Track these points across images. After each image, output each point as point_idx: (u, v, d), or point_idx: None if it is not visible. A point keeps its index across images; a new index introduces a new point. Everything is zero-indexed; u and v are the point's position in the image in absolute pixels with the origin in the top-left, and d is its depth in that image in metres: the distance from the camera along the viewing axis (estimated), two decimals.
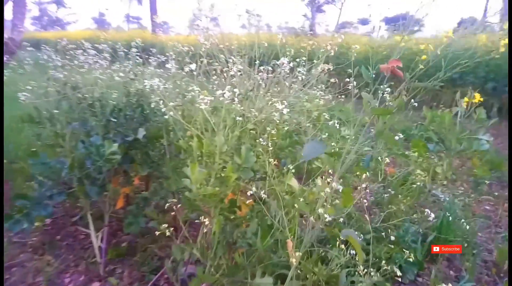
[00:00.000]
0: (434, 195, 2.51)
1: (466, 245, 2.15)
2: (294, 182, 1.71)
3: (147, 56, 2.56)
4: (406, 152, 2.31)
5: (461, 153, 2.16)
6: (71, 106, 2.11)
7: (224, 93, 1.18)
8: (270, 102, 1.38)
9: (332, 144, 1.91)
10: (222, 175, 1.28)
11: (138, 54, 2.58)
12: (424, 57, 1.62)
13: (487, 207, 2.84)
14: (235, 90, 1.19)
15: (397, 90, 1.58)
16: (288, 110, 1.36)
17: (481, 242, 2.30)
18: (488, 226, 2.52)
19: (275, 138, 1.56)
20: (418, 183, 2.20)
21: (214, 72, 1.71)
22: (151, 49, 2.71)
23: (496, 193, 3.02)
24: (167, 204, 1.45)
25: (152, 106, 2.08)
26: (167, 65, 1.76)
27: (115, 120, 2.17)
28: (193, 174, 1.20)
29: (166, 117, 1.54)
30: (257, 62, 1.75)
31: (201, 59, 1.78)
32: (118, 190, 2.23)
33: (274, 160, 1.51)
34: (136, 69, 2.34)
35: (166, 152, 2.00)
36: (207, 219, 1.39)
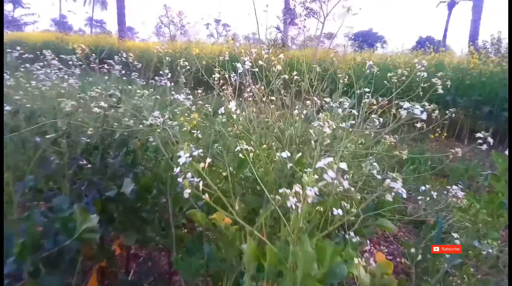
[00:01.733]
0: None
1: None
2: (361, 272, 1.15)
3: (128, 72, 1.94)
4: None
5: None
6: (25, 146, 1.45)
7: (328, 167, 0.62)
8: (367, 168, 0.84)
9: None
10: None
11: (118, 68, 1.95)
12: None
13: None
14: (343, 165, 0.63)
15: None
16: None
17: None
18: None
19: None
20: (490, 251, 1.71)
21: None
22: (133, 61, 2.09)
23: None
24: None
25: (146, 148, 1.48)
26: (178, 97, 1.17)
27: (89, 164, 1.53)
28: None
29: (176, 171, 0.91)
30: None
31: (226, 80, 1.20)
32: (90, 264, 1.58)
33: None
34: (118, 91, 1.71)
35: (171, 224, 1.38)
36: None
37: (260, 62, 0.95)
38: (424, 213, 1.45)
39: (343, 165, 0.64)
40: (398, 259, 2.19)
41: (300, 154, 0.83)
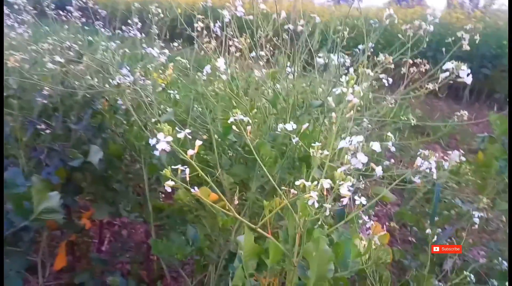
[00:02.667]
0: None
1: None
2: None
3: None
4: None
5: None
6: None
7: None
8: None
9: None
10: None
11: (78, 15, 1.67)
12: None
13: None
14: (376, 147, 0.48)
15: None
16: None
17: None
18: None
19: None
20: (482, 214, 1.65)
21: None
22: (93, 6, 1.80)
23: None
24: None
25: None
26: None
27: (48, 129, 1.32)
28: None
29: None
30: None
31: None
32: (57, 239, 1.42)
33: None
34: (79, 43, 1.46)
35: (146, 195, 1.22)
36: None
37: (262, 5, 0.75)
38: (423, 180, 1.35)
39: (376, 146, 0.49)
40: (384, 221, 2.14)
41: (306, 124, 0.68)
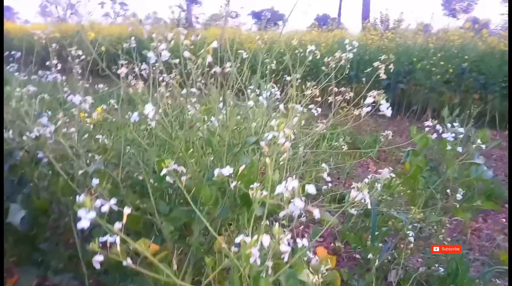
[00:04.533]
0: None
1: None
2: None
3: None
4: None
5: (456, 181, 1.79)
6: None
7: None
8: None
9: None
10: None
11: None
12: None
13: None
14: (311, 190, 0.47)
15: None
16: None
17: None
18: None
19: None
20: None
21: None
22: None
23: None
24: None
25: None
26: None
27: None
28: None
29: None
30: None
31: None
32: None
33: None
34: None
35: (78, 253, 1.12)
36: None
37: (187, 53, 0.74)
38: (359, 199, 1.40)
39: (312, 189, 0.49)
40: (330, 241, 2.18)
41: (243, 166, 0.67)
